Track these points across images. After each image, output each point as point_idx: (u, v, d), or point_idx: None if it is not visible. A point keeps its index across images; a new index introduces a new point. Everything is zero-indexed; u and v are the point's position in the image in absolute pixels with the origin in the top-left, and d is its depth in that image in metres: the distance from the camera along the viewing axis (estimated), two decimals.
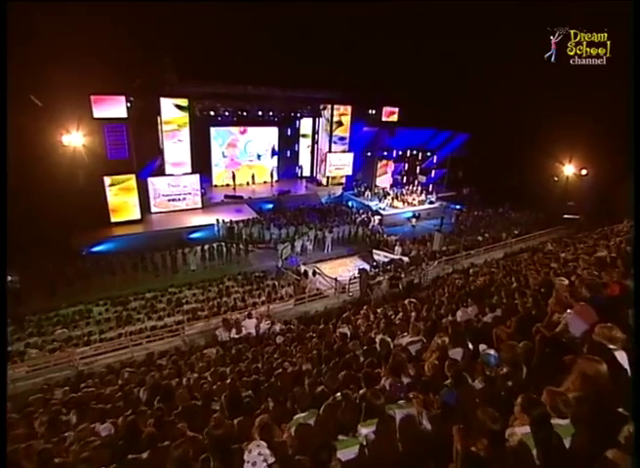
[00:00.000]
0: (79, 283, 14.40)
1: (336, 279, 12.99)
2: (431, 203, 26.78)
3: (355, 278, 11.72)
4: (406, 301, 7.36)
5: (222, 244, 17.41)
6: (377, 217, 23.02)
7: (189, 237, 18.89)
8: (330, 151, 26.36)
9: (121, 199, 18.63)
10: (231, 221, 19.44)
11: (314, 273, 12.81)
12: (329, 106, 25.31)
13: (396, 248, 17.41)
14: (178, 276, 15.77)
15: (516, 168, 26.17)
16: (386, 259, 16.57)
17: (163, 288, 13.62)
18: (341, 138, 26.77)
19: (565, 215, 17.91)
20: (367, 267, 13.04)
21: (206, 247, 16.91)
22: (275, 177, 27.89)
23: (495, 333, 4.64)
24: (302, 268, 15.70)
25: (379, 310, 8.28)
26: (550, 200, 22.05)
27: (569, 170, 20.34)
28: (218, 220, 19.70)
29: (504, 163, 26.76)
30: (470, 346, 3.80)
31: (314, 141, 28.32)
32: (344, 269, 16.63)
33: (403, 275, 10.49)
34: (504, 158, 26.65)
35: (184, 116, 19.94)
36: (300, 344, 6.03)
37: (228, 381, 4.43)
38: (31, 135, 15.35)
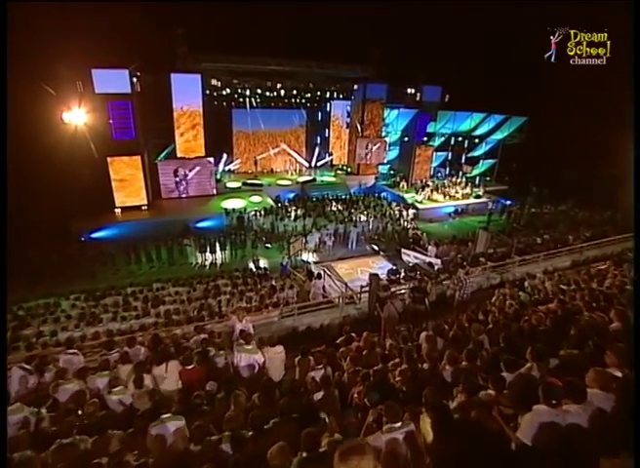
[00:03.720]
0: (67, 272, 13.10)
1: (346, 284, 10.41)
2: (477, 197, 23.09)
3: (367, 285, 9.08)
4: (423, 336, 4.68)
5: (227, 235, 15.44)
6: (411, 211, 19.99)
7: (196, 226, 17.18)
8: (361, 136, 23.49)
9: (126, 182, 17.28)
10: (242, 211, 17.48)
11: (319, 275, 10.33)
12: (361, 85, 22.39)
13: (430, 247, 14.39)
14: (174, 269, 14.08)
15: (586, 157, 21.74)
16: (417, 261, 13.70)
17: (148, 282, 11.89)
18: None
19: None
20: (385, 271, 10.33)
21: (209, 238, 14.98)
22: (302, 165, 25.67)
23: None
24: (312, 267, 13.29)
25: (388, 342, 5.62)
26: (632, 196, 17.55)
27: None
28: (226, 209, 17.86)
29: (570, 151, 22.38)
30: None
31: (347, 126, 25.64)
32: (364, 270, 13.99)
33: (430, 286, 7.70)
34: (570, 145, 22.26)
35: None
36: (220, 410, 3.58)
37: None
38: (28, 110, 14.24)
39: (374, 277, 7.79)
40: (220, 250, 14.93)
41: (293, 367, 5.53)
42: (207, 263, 14.57)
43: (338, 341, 6.31)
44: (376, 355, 4.90)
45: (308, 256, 15.42)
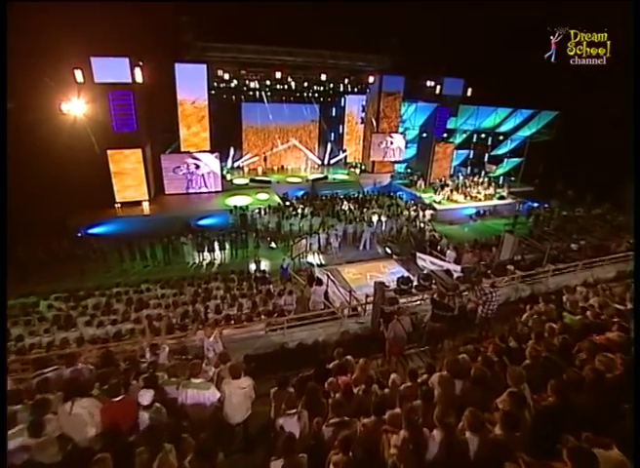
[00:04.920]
0: (57, 269, 12.38)
1: (350, 292, 9.17)
2: (501, 198, 21.37)
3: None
4: (435, 379, 3.40)
5: (228, 234, 14.43)
6: (428, 212, 18.54)
7: (197, 224, 16.28)
8: (376, 131, 22.14)
9: (127, 176, 16.54)
10: (244, 208, 16.48)
11: (320, 281, 9.10)
12: (377, 77, 21.03)
13: (448, 252, 12.94)
14: (169, 269, 13.19)
15: (624, 156, 19.68)
16: (434, 267, 12.29)
17: (138, 282, 10.98)
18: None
19: None
20: (392, 278, 9.01)
21: (208, 236, 14.02)
22: (314, 162, 24.55)
23: None
24: (316, 271, 12.09)
25: (391, 377, 4.31)
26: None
27: None
28: (236, 207, 16.86)
29: (605, 149, 20.34)
30: None
31: (361, 121, 24.34)
32: (374, 276, 12.68)
33: (447, 300, 6.34)
34: (605, 142, 20.23)
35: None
36: None
37: None
38: (24, 100, 13.64)
39: (379, 286, 6.52)
40: (220, 249, 13.95)
41: (268, 401, 4.37)
42: (204, 264, 13.62)
43: (330, 366, 5.10)
44: (370, 396, 3.66)
45: (314, 259, 14.25)
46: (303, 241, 13.19)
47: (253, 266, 13.01)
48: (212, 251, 13.73)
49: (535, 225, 18.00)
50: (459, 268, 9.10)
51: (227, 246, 14.13)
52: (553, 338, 4.27)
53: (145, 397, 3.32)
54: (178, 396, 3.68)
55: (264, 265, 13.33)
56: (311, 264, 13.51)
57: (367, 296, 8.02)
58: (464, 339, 6.92)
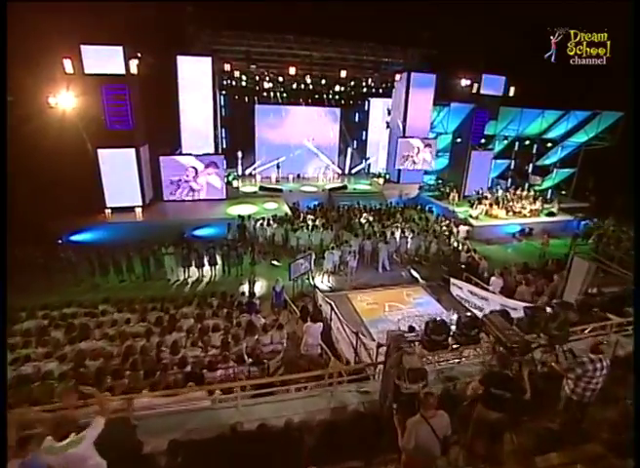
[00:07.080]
0: (21, 281, 10.51)
1: (357, 333, 6.53)
2: (551, 214, 18.11)
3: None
4: None
5: (220, 247, 12.18)
6: (463, 228, 15.66)
7: (193, 234, 14.26)
8: (403, 136, 19.63)
9: (119, 179, 14.87)
10: (244, 218, 14.31)
11: (315, 316, 6.53)
12: (405, 75, 18.67)
13: (493, 279, 9.99)
14: (146, 285, 11.09)
15: None
16: (474, 299, 9.43)
17: (96, 302, 8.84)
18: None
19: None
20: (418, 311, 6.23)
21: (197, 249, 11.86)
22: (333, 171, 22.31)
23: None
24: (319, 297, 9.56)
25: None
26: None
27: None
28: (232, 216, 14.80)
29: None
30: None
31: (387, 126, 21.95)
32: (394, 306, 9.93)
33: (511, 370, 3.63)
34: None
35: None
36: None
37: None
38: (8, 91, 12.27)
39: (394, 340, 3.89)
40: (210, 265, 11.72)
41: None
42: (189, 281, 11.41)
43: None
44: None
45: (321, 281, 11.71)
46: (300, 261, 10.56)
47: (245, 287, 10.62)
48: (200, 266, 11.54)
49: (596, 247, 14.62)
50: (519, 305, 6.26)
51: (219, 261, 11.87)
52: None
53: None
54: None
55: (259, 287, 10.93)
56: (316, 288, 10.94)
57: (379, 346, 5.38)
58: (540, 438, 4.12)
